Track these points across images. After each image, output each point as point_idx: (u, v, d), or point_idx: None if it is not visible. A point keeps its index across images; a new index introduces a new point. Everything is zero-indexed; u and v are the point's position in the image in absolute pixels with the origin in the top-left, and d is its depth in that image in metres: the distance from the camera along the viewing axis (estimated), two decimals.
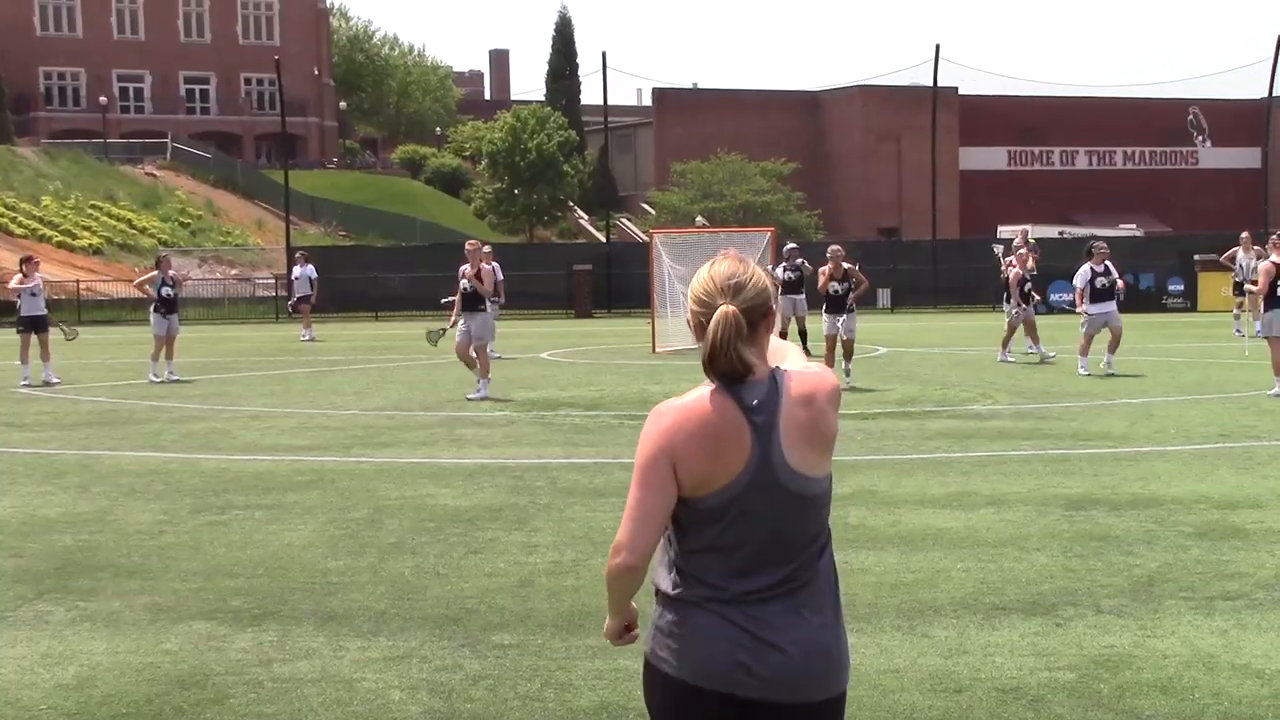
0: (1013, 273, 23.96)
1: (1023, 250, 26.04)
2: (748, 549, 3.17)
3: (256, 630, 7.31)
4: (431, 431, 15.52)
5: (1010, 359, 23.56)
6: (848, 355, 20.29)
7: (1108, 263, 21.75)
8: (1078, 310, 21.75)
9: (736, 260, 3.30)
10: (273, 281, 51.59)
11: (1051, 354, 24.22)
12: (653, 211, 73.24)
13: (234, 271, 59.90)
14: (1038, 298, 24.85)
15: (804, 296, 26.10)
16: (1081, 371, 20.81)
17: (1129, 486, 11.18)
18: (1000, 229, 61.27)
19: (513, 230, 79.02)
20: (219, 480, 12.26)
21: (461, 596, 7.94)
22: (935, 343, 29.64)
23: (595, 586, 8.11)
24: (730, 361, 3.14)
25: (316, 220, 74.01)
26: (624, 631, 3.49)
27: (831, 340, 20.04)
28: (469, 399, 18.33)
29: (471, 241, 19.70)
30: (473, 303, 18.91)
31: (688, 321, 3.32)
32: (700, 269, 3.31)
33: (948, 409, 16.88)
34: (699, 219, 62.22)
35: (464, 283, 18.92)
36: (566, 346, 30.21)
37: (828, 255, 20.32)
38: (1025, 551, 8.85)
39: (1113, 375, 20.35)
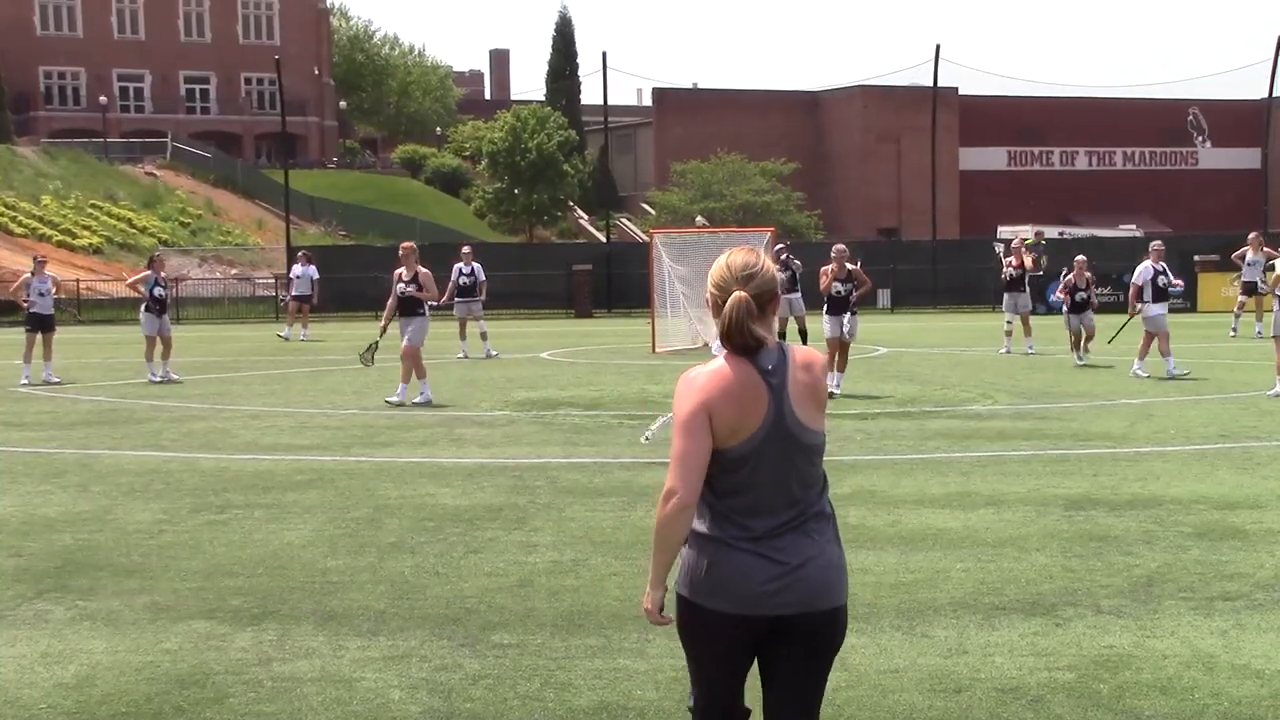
0: (1065, 278, 23.21)
1: (1018, 246, 26.31)
2: (767, 490, 3.85)
3: (256, 629, 7.31)
4: (431, 431, 15.52)
5: (1082, 361, 22.54)
6: (844, 362, 19.26)
7: (1163, 262, 21.59)
8: (1136, 309, 21.17)
9: (749, 252, 4.02)
10: (273, 281, 51.59)
11: (1004, 350, 25.16)
12: (653, 211, 73.22)
13: (234, 271, 59.88)
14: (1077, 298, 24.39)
15: (799, 296, 26.04)
16: (1141, 373, 20.23)
17: (1129, 487, 11.18)
18: (1000, 229, 61.31)
19: (513, 230, 79.02)
20: (218, 479, 12.26)
21: (461, 596, 7.94)
22: (935, 343, 29.65)
23: (595, 586, 8.11)
24: (744, 336, 3.85)
25: (316, 220, 74.00)
26: (662, 608, 4.02)
27: (834, 344, 19.19)
28: (389, 401, 17.83)
29: (406, 244, 19.05)
30: (411, 306, 18.23)
31: (706, 301, 4.05)
32: (719, 259, 4.03)
33: (947, 409, 16.87)
34: (699, 219, 62.13)
35: (400, 286, 18.17)
36: (566, 346, 30.21)
37: (831, 255, 19.72)
38: (1025, 551, 8.85)
39: (1174, 377, 19.93)
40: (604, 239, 58.18)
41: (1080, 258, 23.44)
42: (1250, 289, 28.93)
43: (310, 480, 12.15)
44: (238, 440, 15.04)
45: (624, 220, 77.67)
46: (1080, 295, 22.84)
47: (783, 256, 26.12)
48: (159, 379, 22.05)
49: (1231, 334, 29.22)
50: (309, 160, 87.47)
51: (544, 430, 15.45)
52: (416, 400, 17.88)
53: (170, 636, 7.21)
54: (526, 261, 49.85)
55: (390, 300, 18.45)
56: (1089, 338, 22.82)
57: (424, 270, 18.30)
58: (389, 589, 8.14)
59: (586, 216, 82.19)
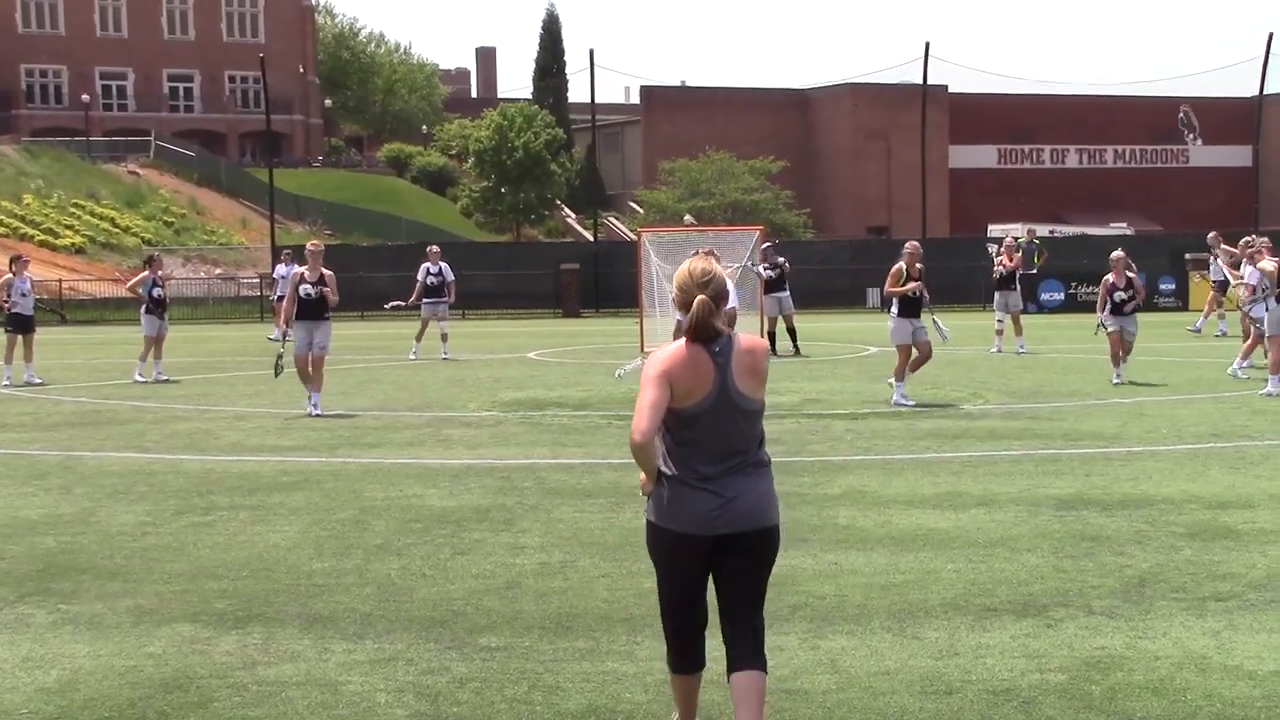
0: (1105, 280, 20.14)
1: (1009, 244, 26.42)
2: (714, 443, 5.12)
3: (241, 633, 7.30)
4: (418, 432, 15.50)
5: (1240, 373, 19.78)
6: (917, 365, 17.91)
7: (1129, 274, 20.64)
8: (1246, 306, 19.59)
9: (706, 258, 5.28)
10: (257, 280, 51.53)
11: (995, 350, 25.12)
12: (641, 210, 73.23)
13: (218, 271, 59.81)
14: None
15: (789, 294, 26.02)
16: (1240, 375, 19.56)
17: (1120, 486, 11.20)
18: (990, 228, 61.43)
19: (499, 229, 79.00)
20: (203, 481, 12.23)
21: (448, 598, 7.93)
22: None
23: (583, 588, 8.10)
24: (706, 330, 5.09)
25: (301, 219, 73.91)
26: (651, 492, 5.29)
27: (905, 351, 17.64)
28: (314, 414, 16.98)
29: (314, 244, 18.58)
30: (318, 310, 17.49)
31: (673, 299, 5.20)
32: (682, 264, 5.24)
33: (938, 409, 16.89)
34: (687, 218, 62.12)
35: (305, 289, 17.36)
36: (554, 346, 30.20)
37: (904, 252, 17.96)
38: (1016, 552, 8.86)
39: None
40: (591, 238, 58.19)
41: (1118, 254, 20.10)
42: (1222, 287, 28.83)
43: (296, 482, 12.13)
44: (222, 441, 15.01)
45: (612, 219, 77.67)
46: (1120, 296, 19.67)
47: (777, 258, 26.10)
48: (145, 380, 22.01)
49: (1192, 330, 29.25)
50: (294, 159, 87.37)
51: (531, 431, 15.44)
52: (316, 411, 17.04)
53: (154, 640, 7.19)
54: (513, 261, 49.83)
55: (286, 304, 17.66)
56: (1128, 350, 19.80)
57: (329, 272, 17.79)
58: (375, 591, 8.13)
59: (574, 215, 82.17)
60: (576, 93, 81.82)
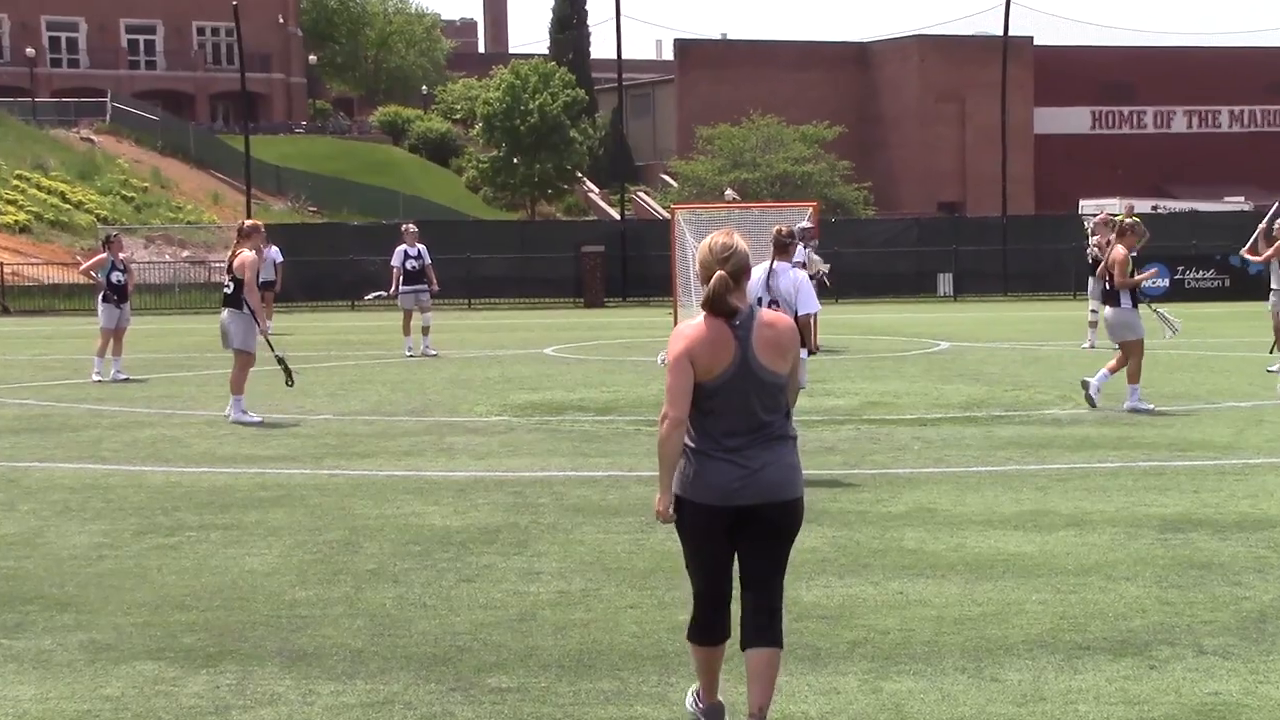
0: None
1: (1102, 221, 26.25)
2: (737, 415, 5.86)
3: (212, 672, 7.32)
4: (417, 440, 15.53)
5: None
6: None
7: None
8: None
9: (727, 234, 6.00)
10: None
11: (1087, 345, 25.12)
12: (675, 184, 73.29)
13: (185, 253, 60.04)
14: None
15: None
16: None
17: (1236, 505, 11.14)
18: (1082, 203, 61.22)
19: (511, 205, 79.17)
20: (168, 496, 12.27)
21: (452, 632, 7.94)
22: (1005, 336, 29.61)
23: (608, 620, 8.11)
24: (722, 305, 5.86)
25: (283, 193, 74.17)
26: (670, 514, 5.98)
27: (1140, 348, 17.44)
28: (242, 421, 16.99)
29: (251, 222, 18.37)
30: (235, 300, 17.34)
31: (695, 274, 6.04)
32: (704, 240, 5.97)
33: (1020, 413, 16.83)
34: (729, 192, 62.17)
35: (267, 273, 17.13)
36: (574, 341, 30.23)
37: (1126, 225, 17.84)
38: (1113, 581, 8.83)
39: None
40: (618, 216, 58.21)
41: None
42: None
43: (276, 497, 12.16)
44: (191, 450, 15.06)
45: (641, 194, 77.71)
46: None
47: (806, 248, 25.98)
48: (103, 379, 22.10)
49: None
50: (273, 124, 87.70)
51: (548, 438, 15.45)
52: (248, 419, 17.02)
53: (111, 681, 7.21)
54: (527, 242, 49.90)
55: (255, 296, 17.51)
56: None
57: (250, 254, 17.46)
58: (367, 624, 8.14)
59: (597, 190, 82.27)
60: (600, 48, 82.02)
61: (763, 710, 5.86)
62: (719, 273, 5.82)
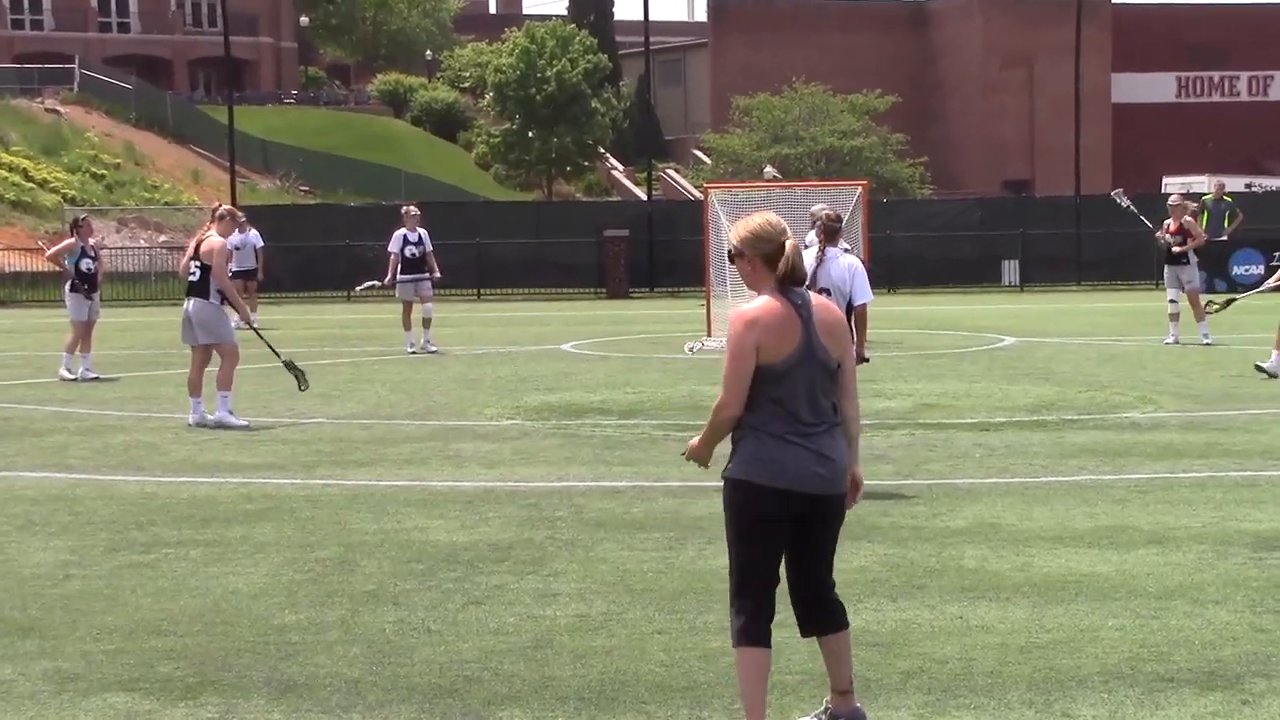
0: None
1: (1177, 203, 26.21)
2: (805, 400, 6.35)
3: (192, 704, 7.34)
4: (420, 446, 15.56)
5: None
6: None
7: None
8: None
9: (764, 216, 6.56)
10: None
11: (1170, 340, 25.15)
12: (708, 160, 73.24)
13: (163, 238, 60.19)
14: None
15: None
16: None
17: None
18: (1166, 180, 61.01)
19: (526, 185, 79.24)
20: (143, 509, 12.31)
21: (459, 660, 7.96)
22: (1078, 330, 29.53)
23: (633, 648, 8.11)
24: (799, 272, 6.38)
25: (270, 171, 74.36)
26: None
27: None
28: (226, 424, 17.08)
29: (224, 206, 18.35)
30: (201, 288, 17.31)
31: (740, 252, 6.50)
32: (750, 220, 6.55)
33: (1095, 417, 16.80)
34: (769, 170, 62.20)
35: (247, 260, 17.07)
36: (596, 336, 30.25)
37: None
38: (1199, 605, 8.81)
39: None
40: (644, 196, 58.21)
41: None
42: None
43: (263, 510, 12.19)
44: (168, 458, 15.10)
45: (670, 171, 77.71)
46: None
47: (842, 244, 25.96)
48: (73, 377, 22.19)
49: None
50: (260, 94, 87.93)
51: (566, 445, 15.47)
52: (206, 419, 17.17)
53: (80, 714, 7.24)
54: (544, 226, 49.91)
55: (228, 282, 17.65)
56: None
57: (220, 240, 17.50)
58: (365, 651, 8.16)
59: (622, 167, 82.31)
60: (625, 8, 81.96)
61: (851, 682, 6.70)
62: (790, 241, 6.37)
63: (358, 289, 28.54)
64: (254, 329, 18.77)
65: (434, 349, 26.20)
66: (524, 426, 16.87)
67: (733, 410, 6.32)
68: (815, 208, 13.72)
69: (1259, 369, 19.75)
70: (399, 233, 26.65)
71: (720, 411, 6.35)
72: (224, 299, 17.50)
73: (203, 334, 17.43)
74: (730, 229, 6.60)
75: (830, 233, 12.92)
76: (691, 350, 25.61)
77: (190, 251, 17.71)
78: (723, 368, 6.35)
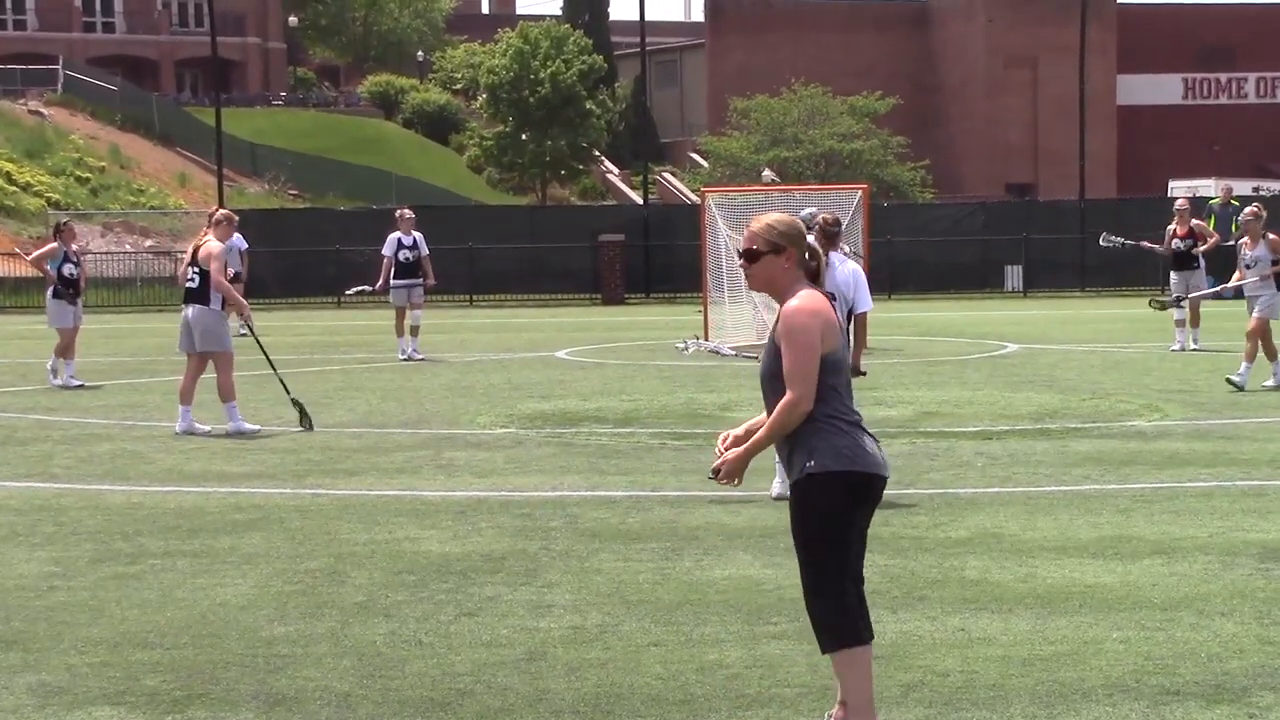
0: None
1: (1183, 207, 26.22)
2: (850, 389, 6.63)
3: (179, 718, 7.35)
4: (412, 455, 15.56)
5: None
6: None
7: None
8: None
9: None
10: None
11: (1176, 347, 25.20)
12: (705, 164, 73.26)
13: (149, 242, 60.20)
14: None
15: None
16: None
17: None
18: (1172, 184, 61.03)
19: (519, 188, 79.22)
20: (129, 519, 12.32)
21: (451, 673, 7.97)
22: (1082, 337, 29.56)
23: (628, 660, 8.12)
24: (822, 267, 6.68)
25: (259, 174, 74.33)
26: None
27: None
28: (243, 431, 17.22)
29: (221, 210, 18.29)
30: (201, 295, 17.36)
31: (751, 248, 6.62)
32: (772, 217, 6.68)
33: (1099, 426, 16.81)
34: (767, 173, 62.19)
35: (233, 263, 17.19)
36: (591, 343, 30.27)
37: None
38: (1206, 617, 8.82)
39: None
40: (640, 200, 58.22)
41: None
42: None
43: (251, 520, 12.20)
44: (154, 467, 15.11)
45: (667, 175, 77.74)
46: None
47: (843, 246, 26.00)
48: (59, 383, 22.22)
49: None
50: (248, 95, 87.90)
51: (561, 454, 15.48)
52: (232, 427, 17.25)
53: None
54: (538, 230, 49.95)
55: (228, 287, 17.55)
56: None
57: (219, 244, 17.45)
58: (355, 664, 8.17)
59: (617, 171, 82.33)
60: (620, 8, 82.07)
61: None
62: (811, 236, 6.73)
63: (348, 292, 28.54)
64: (255, 338, 18.77)
65: (420, 357, 26.16)
66: (518, 435, 16.88)
67: (809, 404, 6.42)
68: (805, 212, 13.78)
69: (1229, 382, 19.59)
70: (393, 236, 26.62)
71: (798, 407, 6.41)
72: (224, 304, 17.54)
73: (201, 341, 17.45)
74: (746, 231, 6.53)
75: (829, 237, 12.95)
76: (685, 348, 25.64)
77: (189, 257, 17.76)
78: (790, 364, 6.41)
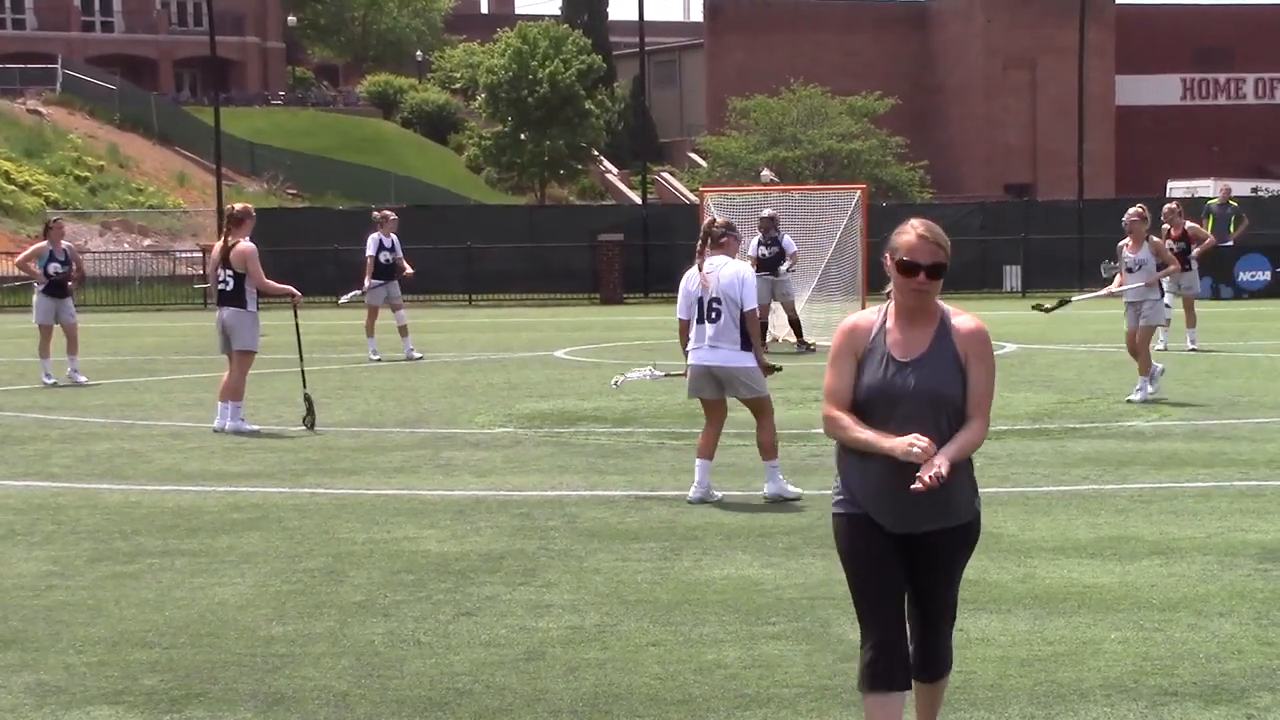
0: None
1: (1172, 211, 26.01)
2: None
3: (177, 717, 7.35)
4: (410, 454, 15.56)
5: None
6: None
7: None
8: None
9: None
10: (199, 255, 51.88)
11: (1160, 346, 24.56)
12: (704, 163, 73.32)
13: (147, 241, 60.23)
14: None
15: (787, 277, 26.24)
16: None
17: None
18: (1171, 185, 61.05)
19: (518, 188, 79.23)
20: (127, 519, 12.32)
21: (450, 673, 7.97)
22: (1081, 337, 29.54)
23: (626, 660, 8.12)
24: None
25: (257, 173, 74.34)
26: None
27: None
28: (242, 431, 17.28)
29: (240, 206, 18.38)
30: (237, 297, 17.57)
31: (899, 265, 6.15)
32: (913, 228, 6.23)
33: (1098, 426, 16.81)
34: (766, 173, 62.25)
35: (223, 272, 17.44)
36: (590, 342, 30.25)
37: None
38: (1204, 617, 8.82)
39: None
40: (639, 200, 58.21)
41: None
42: None
43: (250, 520, 12.20)
44: (153, 466, 15.11)
45: (665, 175, 77.75)
46: None
47: (774, 233, 26.20)
48: (53, 381, 22.21)
49: None
50: (247, 95, 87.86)
51: (559, 453, 15.47)
52: (236, 426, 17.33)
53: None
54: (537, 230, 49.94)
55: (270, 283, 17.95)
56: None
57: (248, 245, 17.52)
58: (354, 664, 8.17)
59: (616, 170, 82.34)
60: (619, 8, 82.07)
61: None
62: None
63: (341, 300, 28.52)
64: (297, 330, 18.86)
65: (418, 356, 26.16)
66: (516, 434, 16.88)
67: None
68: (709, 218, 13.76)
69: (1130, 403, 18.68)
70: (374, 236, 26.71)
71: (984, 436, 6.18)
72: (258, 303, 17.70)
73: (235, 340, 17.54)
74: (931, 242, 6.11)
75: (715, 240, 12.93)
76: (617, 384, 25.70)
77: (217, 259, 17.77)
78: (987, 388, 6.14)
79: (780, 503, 12.49)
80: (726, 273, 12.68)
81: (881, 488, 6.02)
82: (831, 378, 6.19)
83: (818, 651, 8.25)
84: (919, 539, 6.10)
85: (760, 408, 12.81)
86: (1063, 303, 21.96)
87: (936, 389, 6.01)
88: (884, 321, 6.18)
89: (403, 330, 26.48)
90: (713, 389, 12.84)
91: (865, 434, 6.00)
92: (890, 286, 6.16)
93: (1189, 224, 26.19)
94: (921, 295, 6.09)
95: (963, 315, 6.14)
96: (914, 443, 5.85)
